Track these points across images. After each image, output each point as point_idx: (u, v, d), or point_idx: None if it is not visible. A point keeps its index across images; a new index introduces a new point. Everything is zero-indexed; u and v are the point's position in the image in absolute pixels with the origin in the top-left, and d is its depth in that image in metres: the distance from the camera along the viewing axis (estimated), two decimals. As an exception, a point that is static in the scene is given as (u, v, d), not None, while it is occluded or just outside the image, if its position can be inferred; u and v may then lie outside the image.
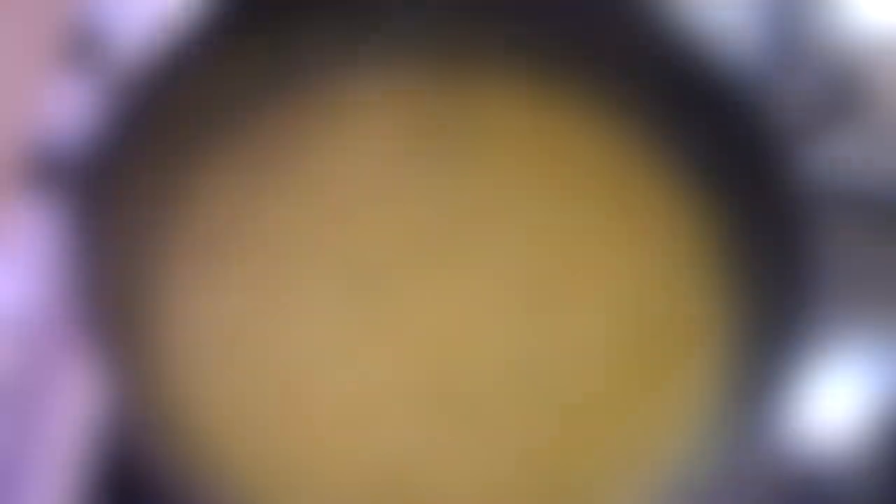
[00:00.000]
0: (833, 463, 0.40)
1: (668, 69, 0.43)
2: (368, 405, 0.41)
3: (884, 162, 0.47)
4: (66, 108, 0.49)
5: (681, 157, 0.45)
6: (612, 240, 0.45)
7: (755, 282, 0.41)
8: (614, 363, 0.42)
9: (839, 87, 0.41)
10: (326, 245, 0.44)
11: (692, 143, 0.44)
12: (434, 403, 0.41)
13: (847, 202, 0.45)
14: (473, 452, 0.40)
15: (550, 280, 0.44)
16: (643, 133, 0.46)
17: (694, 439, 0.40)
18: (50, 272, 0.44)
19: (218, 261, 0.43)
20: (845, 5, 0.50)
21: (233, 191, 0.44)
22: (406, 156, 0.46)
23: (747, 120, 0.41)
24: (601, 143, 0.46)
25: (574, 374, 0.42)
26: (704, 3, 0.49)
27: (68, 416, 0.40)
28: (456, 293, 0.43)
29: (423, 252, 0.44)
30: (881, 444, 0.38)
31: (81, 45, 0.47)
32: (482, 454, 0.40)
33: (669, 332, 0.43)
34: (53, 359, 0.41)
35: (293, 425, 0.40)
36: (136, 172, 0.41)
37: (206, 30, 0.41)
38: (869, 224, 0.45)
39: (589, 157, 0.46)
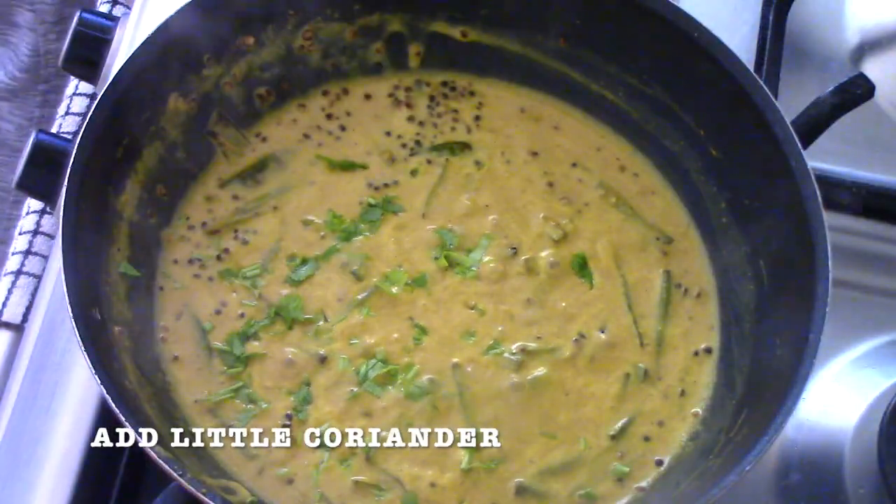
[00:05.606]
0: (834, 458, 0.40)
1: (667, 64, 0.44)
2: (364, 399, 0.41)
3: (883, 160, 0.47)
4: (64, 109, 0.49)
5: (679, 153, 0.45)
6: (609, 235, 0.45)
7: (756, 279, 0.42)
8: (611, 359, 0.43)
9: (839, 85, 0.41)
10: (327, 239, 0.44)
11: (691, 140, 0.44)
12: (426, 396, 0.41)
13: (847, 199, 0.45)
14: (459, 443, 0.40)
15: (545, 274, 0.44)
16: (641, 128, 0.46)
17: (693, 437, 0.40)
18: (49, 271, 0.44)
19: (219, 257, 0.43)
20: (845, 4, 0.50)
21: (233, 190, 0.45)
22: (405, 155, 0.46)
23: (749, 116, 0.41)
24: (598, 136, 0.47)
25: (569, 372, 0.42)
26: (706, 2, 0.49)
27: (68, 414, 0.40)
28: (452, 287, 0.43)
29: (421, 246, 0.44)
30: (883, 440, 0.38)
31: (78, 47, 0.47)
32: (468, 447, 0.40)
33: (666, 328, 0.43)
34: (53, 358, 0.41)
35: (292, 424, 0.40)
36: (135, 171, 0.41)
37: (204, 30, 0.41)
38: (869, 220, 0.45)
39: (586, 152, 0.47)
